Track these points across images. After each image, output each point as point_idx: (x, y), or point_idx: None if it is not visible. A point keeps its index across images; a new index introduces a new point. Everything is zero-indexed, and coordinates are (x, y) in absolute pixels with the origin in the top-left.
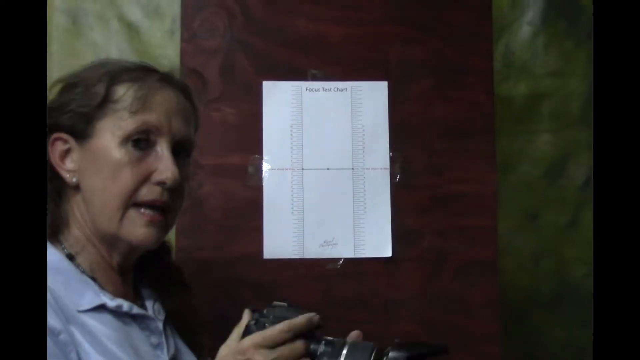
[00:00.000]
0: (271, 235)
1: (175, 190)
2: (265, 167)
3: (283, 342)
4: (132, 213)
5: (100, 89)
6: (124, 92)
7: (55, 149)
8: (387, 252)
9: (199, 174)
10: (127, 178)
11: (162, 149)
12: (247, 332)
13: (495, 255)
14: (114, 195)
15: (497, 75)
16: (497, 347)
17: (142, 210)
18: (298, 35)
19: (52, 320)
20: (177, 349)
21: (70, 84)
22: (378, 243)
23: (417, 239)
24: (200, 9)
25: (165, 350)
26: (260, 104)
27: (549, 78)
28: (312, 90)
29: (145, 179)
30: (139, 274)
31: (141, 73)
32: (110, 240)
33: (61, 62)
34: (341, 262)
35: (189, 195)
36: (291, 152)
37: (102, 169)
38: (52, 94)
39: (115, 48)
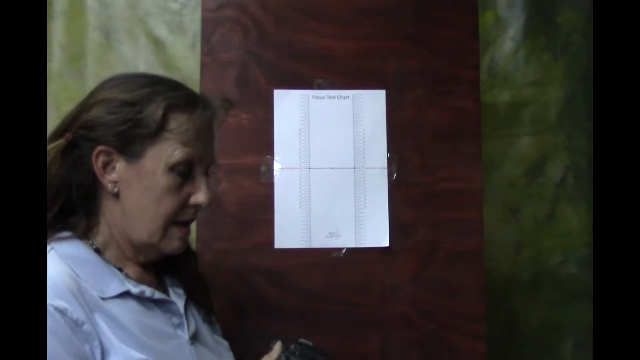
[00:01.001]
0: (281, 227)
1: None
2: (276, 166)
3: None
4: (172, 230)
5: (157, 116)
6: (180, 125)
7: (99, 160)
8: (385, 243)
9: (216, 172)
10: (171, 202)
11: (200, 176)
12: None
13: (481, 245)
14: (158, 215)
15: (482, 85)
16: (483, 326)
17: (180, 226)
18: (305, 49)
19: (76, 312)
20: (197, 327)
21: (125, 102)
22: (377, 234)
23: (412, 231)
24: (218, 25)
25: (185, 329)
26: (271, 110)
27: (529, 87)
28: (317, 98)
29: (185, 203)
30: (161, 264)
31: (190, 100)
32: (142, 247)
33: (95, 73)
34: (344, 251)
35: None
36: (299, 153)
37: (149, 191)
38: (99, 108)
39: (142, 60)
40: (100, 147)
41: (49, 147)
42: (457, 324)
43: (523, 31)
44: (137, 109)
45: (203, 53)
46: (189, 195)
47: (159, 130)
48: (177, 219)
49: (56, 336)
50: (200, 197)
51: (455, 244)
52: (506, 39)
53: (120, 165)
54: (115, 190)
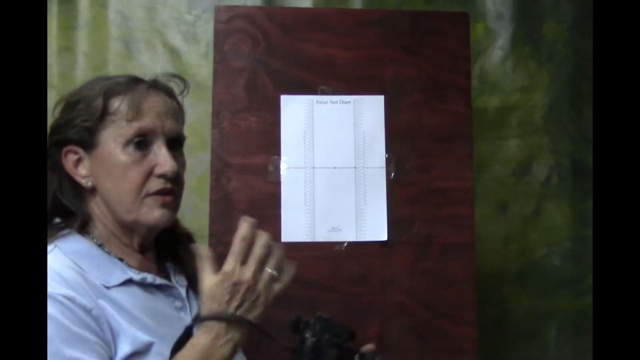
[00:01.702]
0: (287, 222)
1: (175, 178)
2: (283, 166)
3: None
4: (148, 200)
5: (98, 104)
6: (119, 104)
7: (69, 160)
8: (384, 237)
9: (228, 171)
10: (134, 175)
11: (159, 147)
12: (301, 344)
13: (472, 239)
14: (127, 191)
15: (474, 91)
16: (474, 314)
17: (155, 196)
18: (310, 58)
19: (84, 299)
20: (199, 310)
21: (73, 102)
22: (376, 229)
23: (408, 226)
24: (229, 35)
25: (188, 311)
26: (278, 114)
27: (517, 93)
28: (321, 102)
29: (149, 174)
30: (163, 253)
31: (131, 84)
32: (130, 227)
33: None
34: (345, 244)
35: (220, 189)
36: (304, 153)
37: (112, 172)
38: (56, 112)
39: (160, 68)
40: (65, 148)
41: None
42: (450, 312)
43: (511, 41)
44: (83, 105)
45: (215, 61)
46: (153, 167)
47: (103, 115)
48: (149, 191)
49: (72, 320)
50: (163, 167)
51: (449, 238)
52: (495, 48)
53: (86, 160)
54: (90, 184)
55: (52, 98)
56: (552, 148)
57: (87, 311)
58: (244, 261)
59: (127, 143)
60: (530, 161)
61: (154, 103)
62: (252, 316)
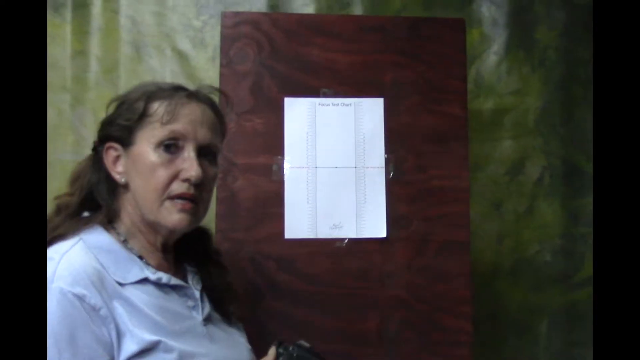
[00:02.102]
0: (291, 219)
1: (201, 185)
2: (286, 165)
3: None
4: (167, 204)
5: (139, 105)
6: (157, 107)
7: (109, 156)
8: (383, 234)
9: (234, 171)
10: (160, 176)
11: (189, 152)
12: None
13: (468, 236)
14: (152, 190)
15: (469, 94)
16: (469, 308)
17: (175, 200)
18: (312, 62)
19: (94, 299)
20: (211, 310)
21: (120, 103)
22: (375, 226)
23: (406, 223)
24: (235, 40)
25: (200, 311)
26: (282, 116)
27: (510, 96)
28: (323, 105)
29: (175, 177)
30: (184, 254)
31: (172, 91)
32: (153, 226)
33: (126, 83)
34: (346, 241)
35: (226, 187)
36: (306, 153)
37: (142, 170)
38: (107, 111)
39: (169, 71)
40: (108, 144)
41: (81, 159)
42: (446, 305)
43: (505, 46)
44: (127, 105)
45: (222, 65)
46: (179, 171)
47: (142, 116)
48: (171, 193)
49: (74, 319)
50: (188, 172)
51: (445, 235)
52: (490, 53)
53: (124, 157)
54: (123, 180)
55: (67, 100)
56: (544, 149)
57: (96, 310)
58: None
59: (159, 144)
60: (523, 161)
61: (191, 111)
62: None
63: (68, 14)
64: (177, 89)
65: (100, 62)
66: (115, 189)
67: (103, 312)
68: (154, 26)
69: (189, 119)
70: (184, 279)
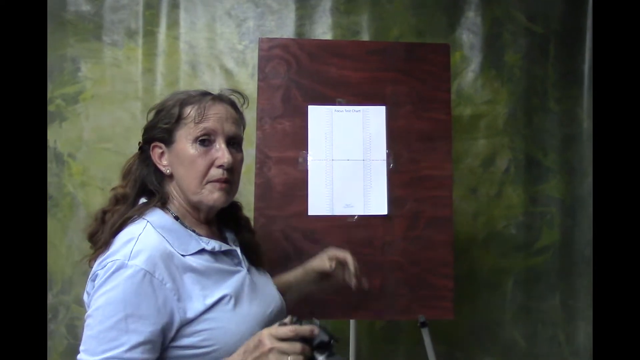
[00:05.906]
0: (313, 200)
1: (231, 170)
2: (310, 158)
3: (288, 339)
4: (208, 186)
5: (175, 111)
6: (190, 111)
7: (155, 153)
8: (384, 211)
9: (268, 162)
10: (200, 166)
11: (220, 144)
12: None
13: (451, 214)
14: (194, 177)
15: (452, 103)
16: (451, 270)
17: (214, 183)
18: (330, 77)
19: (161, 274)
20: (248, 265)
21: (158, 110)
22: (378, 205)
23: (403, 203)
24: (269, 60)
25: (243, 264)
26: (306, 119)
27: (484, 105)
28: (338, 111)
29: (211, 165)
30: (223, 223)
31: (200, 96)
32: (197, 205)
33: None
34: (356, 217)
35: (262, 175)
36: (325, 149)
37: (184, 162)
38: (148, 117)
39: (217, 85)
40: (154, 144)
41: (131, 156)
42: (433, 268)
43: (480, 66)
44: (165, 112)
45: (259, 80)
46: (214, 160)
47: (178, 119)
48: (210, 179)
49: (144, 290)
50: (221, 159)
51: (433, 213)
52: (469, 71)
53: (167, 153)
54: (169, 171)
55: (139, 107)
56: (510, 146)
57: (163, 284)
58: (278, 339)
59: (195, 140)
60: (494, 156)
61: (217, 110)
62: None
63: (140, 40)
64: (204, 94)
65: (165, 77)
66: (162, 179)
67: (169, 285)
68: (206, 49)
69: (216, 117)
70: (226, 242)
